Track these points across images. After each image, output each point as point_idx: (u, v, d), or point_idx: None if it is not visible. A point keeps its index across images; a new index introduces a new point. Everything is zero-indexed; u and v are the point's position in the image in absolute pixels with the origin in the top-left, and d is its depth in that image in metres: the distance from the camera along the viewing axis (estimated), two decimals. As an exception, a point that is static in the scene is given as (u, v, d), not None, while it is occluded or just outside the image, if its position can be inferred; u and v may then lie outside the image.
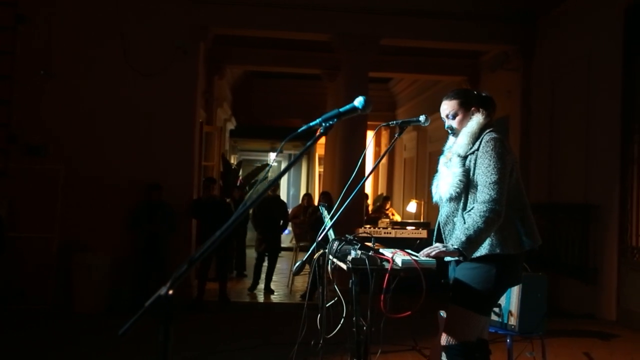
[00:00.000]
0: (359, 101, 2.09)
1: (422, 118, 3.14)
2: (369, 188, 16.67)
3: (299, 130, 2.05)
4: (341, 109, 2.02)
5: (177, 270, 1.47)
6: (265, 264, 8.98)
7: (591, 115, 7.72)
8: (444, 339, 2.95)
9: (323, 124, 1.98)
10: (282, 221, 8.95)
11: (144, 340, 5.24)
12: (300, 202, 12.97)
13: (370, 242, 3.08)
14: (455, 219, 2.98)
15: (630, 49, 6.98)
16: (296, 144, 17.30)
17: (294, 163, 1.96)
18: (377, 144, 17.33)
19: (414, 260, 2.81)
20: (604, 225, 7.36)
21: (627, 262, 6.94)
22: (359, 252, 2.86)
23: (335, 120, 1.99)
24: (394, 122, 3.25)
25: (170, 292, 1.41)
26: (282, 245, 14.26)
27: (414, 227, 9.23)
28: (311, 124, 2.02)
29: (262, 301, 8.53)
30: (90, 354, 5.46)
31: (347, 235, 3.11)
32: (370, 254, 2.86)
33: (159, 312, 1.43)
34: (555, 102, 8.60)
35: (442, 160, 3.11)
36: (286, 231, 15.01)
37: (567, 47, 8.32)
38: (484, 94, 3.17)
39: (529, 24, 9.03)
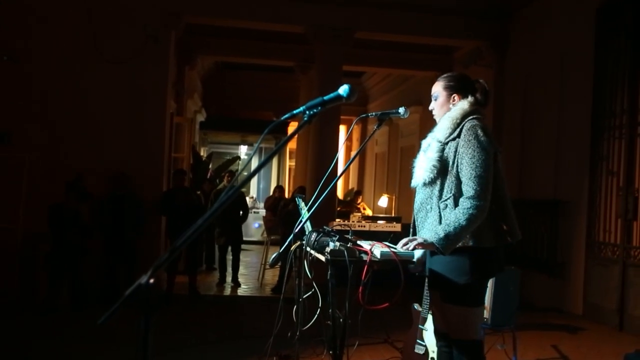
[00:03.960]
0: (343, 89, 2.05)
1: (401, 110, 3.11)
2: (340, 182, 16.69)
3: (282, 119, 1.99)
4: (325, 97, 1.97)
5: (159, 258, 1.41)
6: (230, 257, 8.90)
7: (562, 111, 7.83)
8: (453, 337, 2.91)
9: (307, 112, 1.93)
10: (241, 212, 8.83)
11: (116, 331, 5.17)
12: (270, 194, 12.90)
13: (347, 234, 3.04)
14: (428, 207, 2.89)
15: (601, 47, 7.10)
16: (267, 137, 17.18)
17: (276, 152, 1.91)
18: (349, 138, 17.37)
19: (393, 252, 2.79)
20: (572, 220, 7.50)
21: (593, 257, 7.08)
22: (337, 243, 2.82)
23: (319, 108, 1.93)
24: (374, 113, 3.21)
25: (151, 280, 1.36)
26: (252, 239, 14.25)
27: (385, 221, 9.26)
28: (294, 111, 1.96)
29: (232, 294, 8.46)
30: (60, 346, 5.33)
31: (324, 227, 3.07)
32: (348, 245, 2.83)
33: (138, 301, 1.37)
34: (527, 98, 8.70)
35: (424, 143, 3.02)
36: (256, 224, 14.94)
37: (540, 44, 8.42)
38: (480, 82, 3.07)
39: (503, 21, 9.12)
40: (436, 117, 3.04)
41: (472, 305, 2.88)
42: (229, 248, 8.87)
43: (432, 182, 2.86)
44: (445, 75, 3.10)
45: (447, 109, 2.98)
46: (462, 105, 2.93)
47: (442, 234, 2.70)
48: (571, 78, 7.70)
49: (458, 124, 2.88)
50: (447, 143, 2.87)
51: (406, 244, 2.78)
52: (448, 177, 2.82)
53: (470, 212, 2.71)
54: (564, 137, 7.79)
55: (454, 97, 2.98)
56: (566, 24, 7.83)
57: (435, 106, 3.04)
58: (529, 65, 8.69)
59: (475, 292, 2.90)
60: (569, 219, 7.56)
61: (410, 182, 3.07)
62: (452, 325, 2.89)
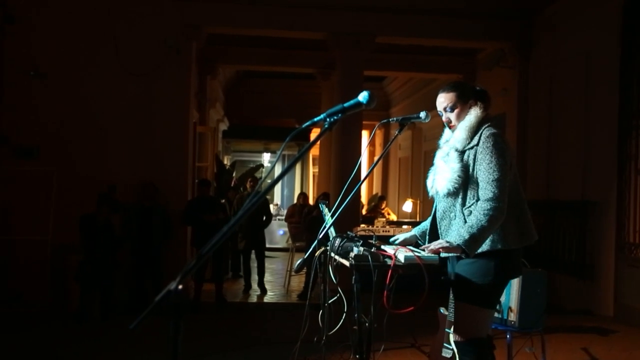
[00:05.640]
0: (363, 96, 2.07)
1: (422, 114, 3.13)
2: (363, 188, 16.67)
3: (303, 126, 2.03)
4: (345, 104, 2.00)
5: (186, 265, 1.45)
6: (255, 263, 8.95)
7: (589, 112, 7.74)
8: (454, 337, 2.93)
9: (327, 119, 1.96)
10: (264, 217, 8.87)
11: (144, 339, 5.26)
12: (294, 201, 12.97)
13: (371, 239, 3.06)
14: (452, 215, 2.96)
15: (628, 45, 7.00)
16: (290, 144, 17.26)
17: (298, 158, 1.93)
18: (372, 143, 17.35)
19: (417, 256, 2.80)
20: (601, 221, 7.39)
21: (624, 258, 6.97)
22: (361, 248, 2.84)
23: (340, 115, 1.96)
24: (395, 118, 3.24)
25: (180, 286, 1.40)
26: (278, 246, 14.31)
27: (410, 226, 9.23)
28: (315, 119, 1.99)
29: (258, 301, 8.51)
30: (89, 355, 5.43)
31: (348, 233, 3.10)
32: (372, 250, 2.85)
33: (168, 307, 1.41)
34: (553, 99, 8.62)
35: (439, 154, 3.08)
36: (281, 232, 15.00)
37: (565, 44, 8.34)
38: (478, 88, 3.13)
39: (526, 21, 9.05)
40: (451, 128, 3.07)
41: (491, 307, 2.97)
42: (253, 254, 8.92)
43: (455, 192, 2.93)
44: (448, 87, 3.09)
45: (464, 116, 3.01)
46: (476, 112, 2.98)
47: (466, 236, 2.77)
48: (597, 77, 7.61)
49: (475, 132, 2.94)
50: (464, 151, 2.94)
51: (431, 249, 2.83)
52: (469, 184, 2.90)
53: (490, 213, 2.79)
54: (591, 137, 7.69)
55: (470, 103, 3.02)
56: (591, 22, 7.74)
57: (452, 117, 3.04)
58: (553, 65, 8.61)
59: (497, 293, 3.00)
60: (598, 219, 7.45)
61: (428, 192, 3.12)
62: (466, 325, 2.91)
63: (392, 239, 3.24)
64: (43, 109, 7.94)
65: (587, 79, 7.79)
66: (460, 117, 3.01)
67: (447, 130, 3.11)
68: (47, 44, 7.99)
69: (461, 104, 3.02)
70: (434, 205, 3.11)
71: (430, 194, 3.12)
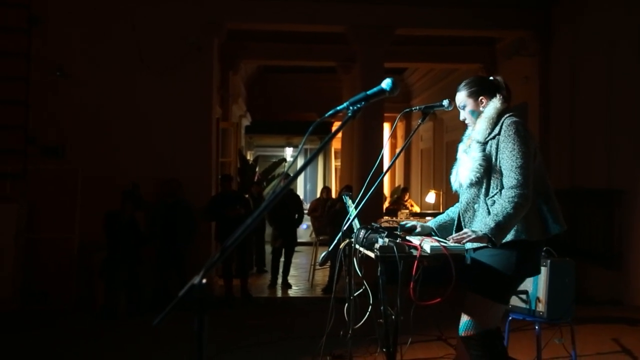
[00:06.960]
0: (386, 83, 2.04)
1: (445, 102, 3.10)
2: (386, 180, 16.59)
3: (326, 115, 2.00)
4: (368, 92, 1.97)
5: (210, 259, 1.43)
6: (282, 258, 8.96)
7: (613, 98, 7.58)
8: (462, 329, 2.90)
9: (351, 108, 1.93)
10: (297, 215, 8.88)
11: (170, 334, 5.29)
12: (318, 195, 12.96)
13: (396, 230, 3.03)
14: (475, 206, 2.92)
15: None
16: (311, 137, 17.25)
17: (322, 149, 1.90)
18: (393, 135, 17.26)
19: (443, 246, 2.76)
20: (628, 209, 7.25)
21: (654, 247, 6.82)
22: (386, 240, 2.81)
23: (363, 103, 1.94)
24: (417, 107, 3.20)
25: (204, 281, 1.38)
26: (301, 240, 14.31)
27: (433, 217, 9.14)
28: (338, 107, 1.97)
29: (283, 296, 8.52)
30: (114, 350, 5.48)
31: (373, 224, 3.06)
32: (398, 241, 2.81)
33: (192, 302, 1.40)
34: (575, 86, 8.46)
35: (461, 147, 3.07)
36: (304, 226, 15.01)
37: (586, 30, 8.16)
38: (498, 79, 3.09)
39: (545, 8, 8.89)
40: (469, 124, 3.07)
41: (505, 302, 2.97)
42: (283, 251, 8.93)
43: (478, 182, 2.89)
44: (463, 83, 3.10)
45: (478, 113, 3.01)
46: (495, 104, 2.96)
47: (492, 224, 2.73)
48: (621, 62, 7.44)
49: (496, 122, 2.91)
50: (487, 142, 2.91)
51: (457, 239, 2.79)
52: (492, 174, 2.87)
53: (515, 200, 2.74)
54: (616, 123, 7.53)
55: (481, 100, 3.00)
56: (612, 8, 7.57)
57: (466, 115, 3.06)
58: (575, 51, 8.44)
59: (513, 289, 3.01)
60: (625, 208, 7.30)
61: (451, 186, 3.10)
62: (476, 317, 2.86)
63: (402, 222, 3.22)
64: (68, 108, 8.02)
65: (611, 65, 7.62)
66: (473, 114, 3.01)
67: (469, 126, 3.10)
68: (70, 43, 8.06)
69: (471, 102, 3.02)
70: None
71: (454, 188, 3.09)
